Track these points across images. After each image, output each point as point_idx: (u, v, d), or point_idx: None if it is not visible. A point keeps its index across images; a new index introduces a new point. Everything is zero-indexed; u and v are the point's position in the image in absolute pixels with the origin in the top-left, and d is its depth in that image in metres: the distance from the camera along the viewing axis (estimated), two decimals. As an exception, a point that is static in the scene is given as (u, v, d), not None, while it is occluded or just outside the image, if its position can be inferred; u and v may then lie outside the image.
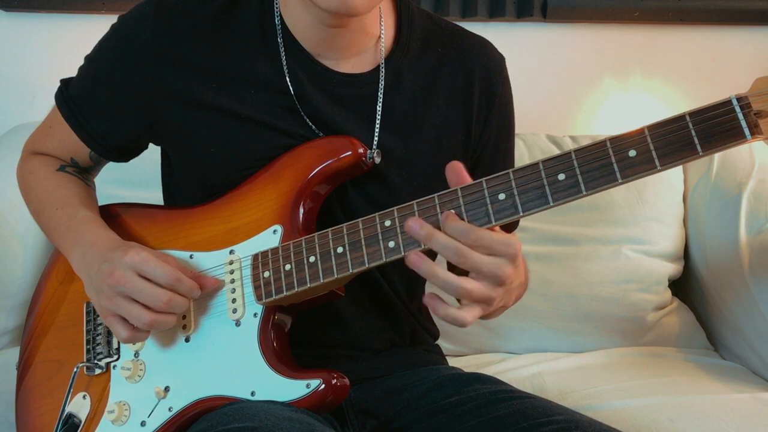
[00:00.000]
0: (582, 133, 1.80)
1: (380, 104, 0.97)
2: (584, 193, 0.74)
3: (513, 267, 0.78)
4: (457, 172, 0.80)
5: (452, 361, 1.16)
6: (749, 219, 1.46)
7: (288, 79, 0.95)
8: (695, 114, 0.70)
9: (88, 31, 1.83)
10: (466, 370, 1.07)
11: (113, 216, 1.05)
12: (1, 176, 1.56)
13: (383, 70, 0.98)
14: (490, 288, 0.78)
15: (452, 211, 0.78)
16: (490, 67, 1.04)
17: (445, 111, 1.01)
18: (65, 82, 1.05)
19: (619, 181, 0.73)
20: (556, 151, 1.66)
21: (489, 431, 0.86)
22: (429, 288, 0.87)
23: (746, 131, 0.68)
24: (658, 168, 0.71)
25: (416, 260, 0.77)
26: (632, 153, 0.72)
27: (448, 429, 0.90)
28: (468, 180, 0.80)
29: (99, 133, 1.02)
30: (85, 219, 0.98)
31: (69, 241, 0.97)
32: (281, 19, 0.97)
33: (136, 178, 1.46)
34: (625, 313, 1.54)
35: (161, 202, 1.11)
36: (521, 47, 1.84)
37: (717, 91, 1.86)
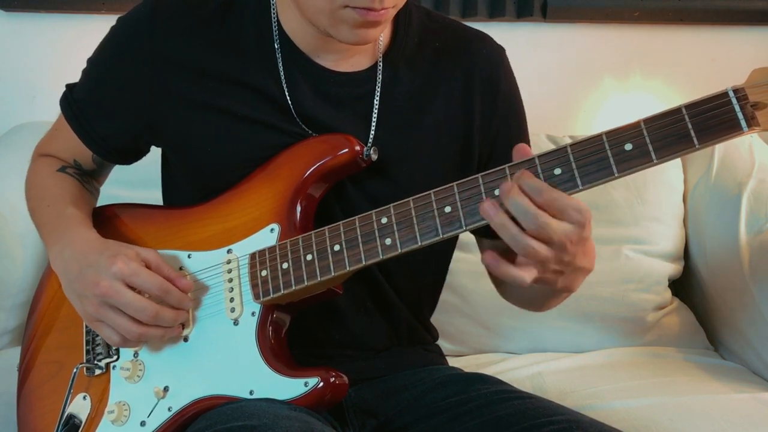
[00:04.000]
0: (582, 133, 1.79)
1: (377, 102, 0.97)
2: (580, 187, 0.74)
3: (578, 234, 0.75)
4: (523, 153, 0.77)
5: (452, 361, 1.16)
6: (749, 219, 1.46)
7: (283, 82, 0.95)
8: (691, 106, 0.70)
9: (88, 31, 1.83)
10: (466, 370, 1.07)
11: (111, 216, 1.05)
12: (1, 176, 1.56)
13: (380, 65, 0.98)
14: (554, 252, 0.75)
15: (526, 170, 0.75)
16: (491, 60, 1.04)
17: (444, 107, 1.00)
18: (70, 87, 1.05)
19: (616, 174, 0.72)
20: (555, 151, 1.66)
21: (490, 431, 0.86)
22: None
23: (743, 123, 0.68)
24: (655, 161, 0.71)
25: (490, 209, 0.75)
26: (628, 146, 0.72)
27: (448, 429, 0.90)
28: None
29: (100, 135, 1.03)
30: (70, 216, 0.98)
31: (52, 237, 0.98)
32: (278, 21, 0.97)
33: (136, 178, 1.45)
34: (625, 313, 1.53)
35: (160, 203, 1.11)
36: (521, 47, 1.84)
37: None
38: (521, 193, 0.73)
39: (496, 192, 0.77)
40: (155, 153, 1.10)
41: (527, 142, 1.08)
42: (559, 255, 0.76)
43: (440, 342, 1.17)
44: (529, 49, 1.86)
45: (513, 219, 0.74)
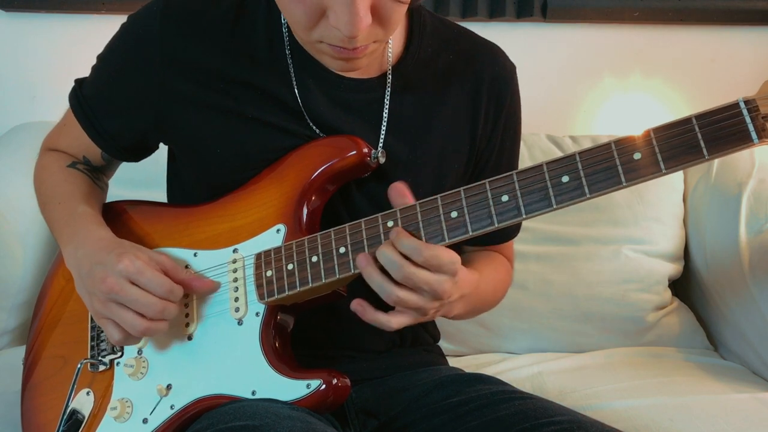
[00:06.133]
0: (582, 132, 1.80)
1: (386, 109, 0.97)
2: (588, 195, 0.73)
3: (452, 282, 0.81)
4: (401, 193, 0.82)
5: (452, 361, 1.16)
6: (749, 219, 1.46)
7: (295, 87, 0.95)
8: (702, 117, 0.69)
9: (88, 31, 1.84)
10: (467, 370, 1.07)
11: (120, 213, 1.05)
12: (1, 176, 1.56)
13: (390, 75, 0.98)
14: (425, 300, 0.81)
15: (401, 228, 0.80)
16: (500, 76, 1.04)
17: (453, 118, 1.00)
18: (79, 82, 1.05)
19: (624, 184, 0.72)
20: (556, 151, 1.67)
21: (491, 431, 0.86)
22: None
23: (754, 135, 0.67)
24: (664, 171, 0.70)
25: (362, 262, 0.81)
26: (637, 156, 0.71)
27: (449, 429, 0.90)
28: (411, 200, 0.82)
29: (109, 132, 1.02)
30: (83, 214, 0.98)
31: (65, 236, 0.97)
32: (288, 26, 0.96)
33: (137, 178, 1.46)
34: (625, 313, 1.54)
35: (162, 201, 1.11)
36: (521, 47, 1.84)
37: (717, 91, 1.87)
38: (390, 245, 0.80)
39: (504, 198, 0.77)
40: (158, 153, 1.10)
41: (516, 164, 1.10)
42: (434, 300, 0.82)
43: (440, 342, 1.17)
44: (529, 49, 1.86)
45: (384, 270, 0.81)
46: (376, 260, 0.81)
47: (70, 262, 0.94)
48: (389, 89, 0.97)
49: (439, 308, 0.85)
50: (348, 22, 0.76)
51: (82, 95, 1.03)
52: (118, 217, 1.04)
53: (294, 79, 0.95)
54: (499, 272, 1.11)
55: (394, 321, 0.83)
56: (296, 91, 0.95)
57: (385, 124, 0.97)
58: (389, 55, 0.98)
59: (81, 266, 0.91)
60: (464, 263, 1.02)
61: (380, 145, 0.96)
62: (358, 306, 0.83)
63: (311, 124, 0.95)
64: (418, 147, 0.98)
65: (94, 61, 1.03)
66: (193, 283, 0.91)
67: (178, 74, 0.95)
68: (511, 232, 1.13)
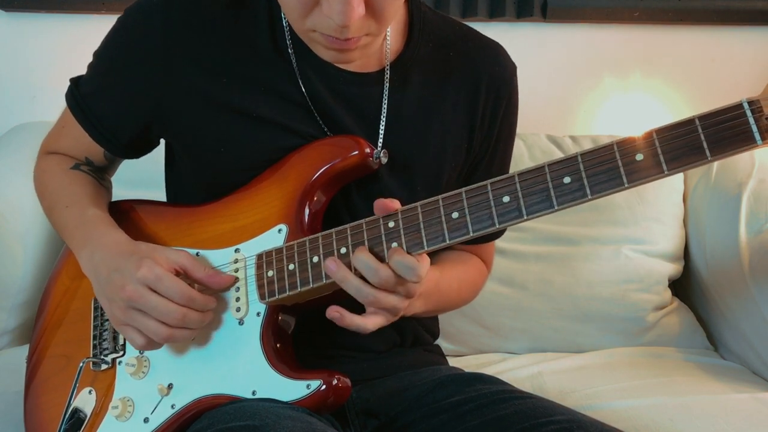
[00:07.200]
0: (582, 132, 1.80)
1: (385, 105, 0.97)
2: (589, 197, 0.73)
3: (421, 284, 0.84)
4: (384, 207, 0.83)
5: (452, 361, 1.16)
6: (749, 219, 1.46)
7: (299, 80, 0.95)
8: (704, 118, 0.69)
9: (88, 31, 1.83)
10: (467, 370, 1.07)
11: (123, 212, 1.04)
12: (1, 176, 1.56)
13: (388, 70, 0.97)
14: (399, 300, 0.84)
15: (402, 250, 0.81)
16: (500, 76, 1.03)
17: (452, 116, 1.00)
18: (75, 81, 1.03)
19: (626, 185, 0.71)
20: (556, 151, 1.67)
21: (490, 431, 0.86)
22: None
23: (757, 136, 0.66)
24: (666, 172, 0.70)
25: (332, 266, 0.83)
26: (639, 157, 0.71)
27: (449, 428, 0.90)
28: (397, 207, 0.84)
29: (109, 129, 1.01)
30: (93, 217, 0.98)
31: (77, 239, 0.97)
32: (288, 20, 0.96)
33: (136, 178, 1.46)
34: (625, 313, 1.54)
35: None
36: (521, 47, 1.83)
37: (717, 91, 1.87)
38: (365, 251, 0.82)
39: (505, 199, 0.77)
40: (155, 152, 1.09)
41: (507, 168, 1.10)
42: (406, 299, 0.85)
43: (440, 342, 1.17)
44: (528, 50, 1.86)
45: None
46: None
47: (87, 267, 0.94)
48: (387, 85, 0.97)
49: (407, 306, 0.86)
50: (340, 11, 0.77)
51: (80, 93, 1.01)
52: (122, 217, 1.03)
53: (297, 69, 0.95)
54: (469, 273, 1.11)
55: (370, 322, 0.85)
56: (299, 81, 0.95)
57: (384, 120, 0.96)
58: (387, 50, 0.98)
59: (99, 272, 0.90)
60: (432, 261, 1.03)
61: (380, 141, 0.96)
62: (335, 312, 0.84)
63: (316, 115, 0.95)
64: (417, 144, 0.98)
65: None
66: (211, 280, 0.90)
67: (181, 66, 0.94)
68: (491, 234, 1.13)
